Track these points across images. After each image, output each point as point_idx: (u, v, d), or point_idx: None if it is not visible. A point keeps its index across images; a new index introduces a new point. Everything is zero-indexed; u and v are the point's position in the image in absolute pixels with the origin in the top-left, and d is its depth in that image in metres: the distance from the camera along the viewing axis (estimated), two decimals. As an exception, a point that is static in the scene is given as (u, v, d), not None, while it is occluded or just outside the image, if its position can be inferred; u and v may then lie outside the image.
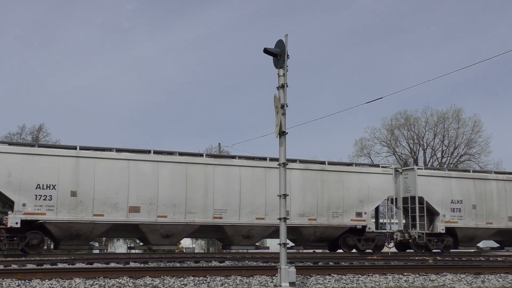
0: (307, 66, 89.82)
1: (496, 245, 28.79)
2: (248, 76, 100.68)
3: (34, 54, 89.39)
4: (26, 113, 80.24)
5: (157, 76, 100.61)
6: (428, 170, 26.06)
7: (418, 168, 25.16)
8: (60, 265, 13.80)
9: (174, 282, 10.87)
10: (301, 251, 25.57)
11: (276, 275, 10.58)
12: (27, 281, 10.41)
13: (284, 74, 10.56)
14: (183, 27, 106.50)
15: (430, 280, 12.55)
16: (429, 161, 54.55)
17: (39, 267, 12.93)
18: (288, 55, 10.52)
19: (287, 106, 10.48)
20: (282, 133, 10.52)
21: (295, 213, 21.85)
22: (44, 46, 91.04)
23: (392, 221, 24.92)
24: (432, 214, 24.79)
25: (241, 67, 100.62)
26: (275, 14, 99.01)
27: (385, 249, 24.58)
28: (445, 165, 52.54)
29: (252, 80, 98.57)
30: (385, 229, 24.40)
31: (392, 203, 24.31)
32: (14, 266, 13.07)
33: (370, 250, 23.58)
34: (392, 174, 24.16)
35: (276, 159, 11.81)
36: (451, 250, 25.14)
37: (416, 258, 19.54)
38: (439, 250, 24.61)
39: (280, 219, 10.41)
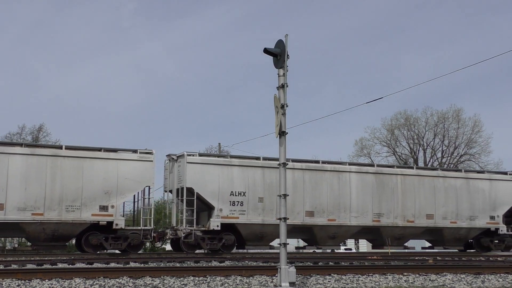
0: (307, 65, 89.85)
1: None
2: (248, 76, 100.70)
3: (34, 53, 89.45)
4: (26, 113, 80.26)
5: (158, 75, 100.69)
6: (202, 157, 21.98)
7: (188, 155, 21.34)
8: (60, 265, 13.81)
9: (174, 282, 10.87)
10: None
11: (276, 275, 10.58)
12: (27, 281, 10.41)
13: (284, 74, 10.56)
14: (184, 27, 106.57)
15: (430, 280, 12.55)
16: (429, 161, 54.59)
17: (39, 267, 12.93)
18: (288, 55, 10.53)
19: (287, 106, 10.49)
20: (282, 133, 10.53)
21: (12, 206, 18.84)
22: (44, 45, 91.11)
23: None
24: (210, 208, 21.57)
25: (241, 67, 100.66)
26: (275, 14, 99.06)
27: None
28: (445, 165, 52.55)
29: (252, 80, 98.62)
30: (144, 226, 20.76)
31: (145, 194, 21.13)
32: (14, 266, 13.07)
33: (118, 251, 20.81)
34: (152, 161, 20.86)
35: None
36: (234, 251, 22.39)
37: (416, 258, 19.54)
38: (219, 250, 21.38)
39: (280, 219, 10.42)
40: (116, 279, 10.87)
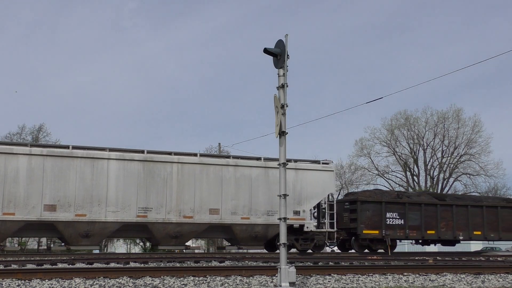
0: (307, 65, 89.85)
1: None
2: (248, 76, 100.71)
3: (34, 53, 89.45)
4: (26, 113, 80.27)
5: (158, 75, 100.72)
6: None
7: None
8: (60, 265, 13.80)
9: (174, 282, 10.87)
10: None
11: (276, 275, 10.58)
12: (27, 281, 10.41)
13: (284, 74, 10.57)
14: (184, 26, 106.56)
15: (430, 280, 12.55)
16: (429, 161, 54.61)
17: (39, 267, 12.92)
18: (288, 55, 10.54)
19: (287, 106, 10.49)
20: (282, 133, 10.54)
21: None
22: (45, 45, 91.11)
23: None
24: None
25: (241, 67, 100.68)
26: (276, 14, 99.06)
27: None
28: (445, 165, 52.56)
29: (252, 80, 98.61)
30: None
31: None
32: (14, 266, 13.07)
33: None
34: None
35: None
36: None
37: (416, 258, 19.54)
38: None
39: (280, 219, 10.43)
40: (116, 279, 10.87)
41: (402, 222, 24.36)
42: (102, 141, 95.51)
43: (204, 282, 11.04)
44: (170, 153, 21.19)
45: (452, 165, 53.26)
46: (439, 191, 51.66)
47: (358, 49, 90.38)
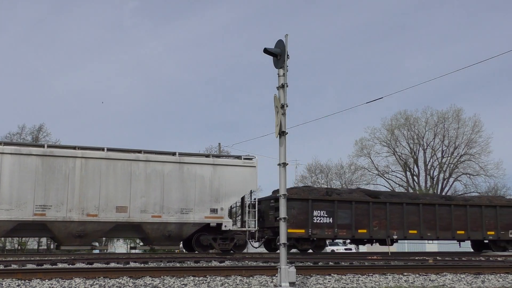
0: (308, 65, 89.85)
1: None
2: (248, 76, 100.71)
3: (35, 52, 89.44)
4: (26, 113, 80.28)
5: (159, 75, 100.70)
6: None
7: None
8: (60, 265, 13.80)
9: (174, 282, 10.87)
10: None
11: (276, 275, 10.58)
12: (27, 281, 10.41)
13: (284, 74, 10.57)
14: (184, 27, 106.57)
15: (430, 280, 12.55)
16: (429, 161, 54.62)
17: (39, 267, 12.92)
18: (288, 55, 10.53)
19: (287, 106, 10.49)
20: (282, 133, 10.53)
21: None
22: (45, 44, 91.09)
23: None
24: None
25: (241, 67, 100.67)
26: (276, 14, 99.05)
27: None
28: (445, 165, 52.55)
29: (252, 80, 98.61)
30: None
31: None
32: (14, 266, 13.06)
33: None
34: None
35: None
36: None
37: (416, 258, 19.54)
38: None
39: (280, 219, 10.44)
40: (116, 279, 10.87)
41: (331, 220, 23.06)
42: (102, 141, 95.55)
43: (204, 282, 11.04)
44: (74, 148, 20.26)
45: (452, 165, 53.28)
46: (439, 191, 51.70)
47: (358, 49, 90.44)
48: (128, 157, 20.62)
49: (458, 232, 25.60)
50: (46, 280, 10.54)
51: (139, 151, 21.11)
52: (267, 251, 24.27)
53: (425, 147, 54.49)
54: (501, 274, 13.44)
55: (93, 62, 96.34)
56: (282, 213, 10.42)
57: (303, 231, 22.52)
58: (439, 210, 25.27)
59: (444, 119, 53.40)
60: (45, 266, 13.38)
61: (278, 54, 10.70)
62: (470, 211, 25.94)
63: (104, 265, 14.05)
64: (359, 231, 23.60)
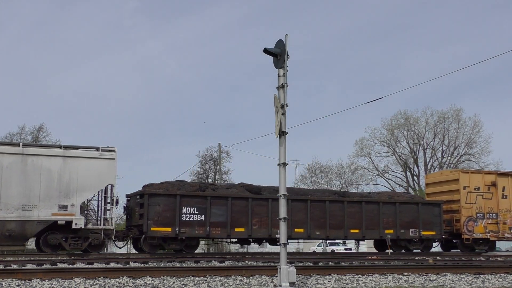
0: (308, 65, 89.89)
1: None
2: (248, 75, 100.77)
3: (35, 52, 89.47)
4: (26, 113, 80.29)
5: (159, 74, 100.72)
6: None
7: None
8: (60, 265, 13.81)
9: (174, 282, 10.88)
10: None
11: (276, 275, 10.58)
12: (27, 281, 10.42)
13: (284, 74, 10.57)
14: (185, 26, 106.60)
15: (430, 280, 12.56)
16: (429, 161, 54.61)
17: (39, 267, 12.93)
18: (288, 55, 10.54)
19: (287, 106, 10.50)
20: (282, 133, 10.54)
21: None
22: (45, 44, 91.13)
23: None
24: None
25: (242, 67, 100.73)
26: (276, 13, 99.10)
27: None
28: (445, 165, 52.55)
29: (252, 80, 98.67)
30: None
31: None
32: (14, 266, 13.07)
33: None
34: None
35: None
36: None
37: (416, 258, 19.54)
38: None
39: (280, 219, 10.44)
40: (116, 279, 10.88)
41: (203, 218, 20.97)
42: (102, 141, 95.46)
43: (204, 282, 11.04)
44: None
45: (452, 165, 53.22)
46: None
47: (358, 48, 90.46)
48: None
49: (352, 230, 23.41)
50: (46, 280, 10.55)
51: None
52: (136, 251, 22.30)
53: (425, 147, 54.52)
54: (501, 274, 13.45)
55: (93, 62, 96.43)
56: (282, 213, 10.43)
57: (169, 229, 20.63)
58: (330, 207, 22.98)
59: (444, 119, 53.42)
60: (45, 266, 13.39)
61: (278, 54, 10.71)
62: (366, 208, 23.61)
63: (104, 265, 14.06)
64: (236, 229, 21.54)
